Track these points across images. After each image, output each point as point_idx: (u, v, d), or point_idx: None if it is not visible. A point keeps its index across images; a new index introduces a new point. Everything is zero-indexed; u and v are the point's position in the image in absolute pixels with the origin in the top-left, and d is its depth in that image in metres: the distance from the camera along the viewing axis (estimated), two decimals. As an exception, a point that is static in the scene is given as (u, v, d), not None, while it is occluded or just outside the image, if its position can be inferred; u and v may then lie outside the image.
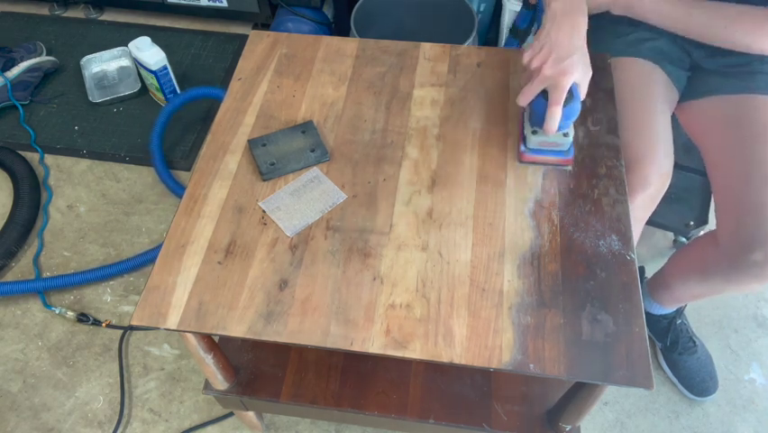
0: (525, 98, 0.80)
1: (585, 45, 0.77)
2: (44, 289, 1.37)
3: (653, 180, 0.89)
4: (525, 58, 0.80)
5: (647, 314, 1.28)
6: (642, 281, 1.30)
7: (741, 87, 0.97)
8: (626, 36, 1.05)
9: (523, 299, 0.73)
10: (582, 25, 0.78)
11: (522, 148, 0.84)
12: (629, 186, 0.84)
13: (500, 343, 0.70)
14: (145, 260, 1.43)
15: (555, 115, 0.77)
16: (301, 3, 1.78)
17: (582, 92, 0.78)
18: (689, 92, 1.05)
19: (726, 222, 0.92)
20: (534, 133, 0.82)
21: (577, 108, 0.79)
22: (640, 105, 0.94)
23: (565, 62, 0.75)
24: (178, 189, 1.54)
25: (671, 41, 1.03)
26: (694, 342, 1.26)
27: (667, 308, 1.24)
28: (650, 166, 0.89)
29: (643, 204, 0.90)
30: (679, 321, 1.25)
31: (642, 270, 1.30)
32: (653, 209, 0.94)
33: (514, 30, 1.24)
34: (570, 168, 0.84)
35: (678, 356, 1.26)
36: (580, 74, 0.76)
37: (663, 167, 0.91)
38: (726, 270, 0.92)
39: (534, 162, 0.84)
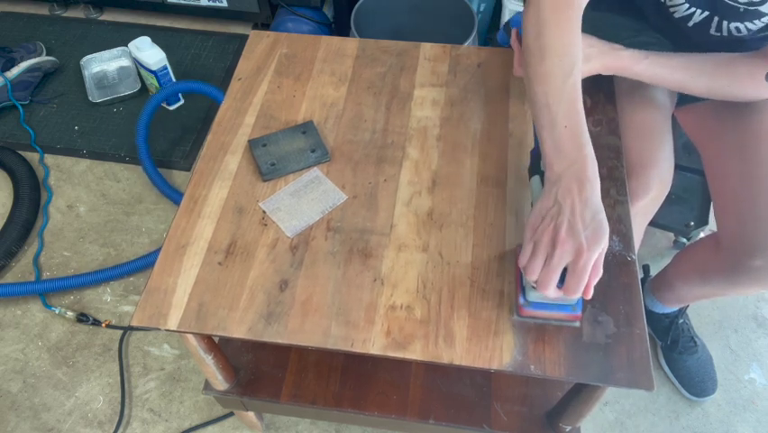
0: (523, 261, 0.67)
1: (601, 205, 0.64)
2: (44, 291, 1.37)
3: (654, 185, 0.89)
4: (527, 233, 0.66)
5: (649, 312, 1.28)
6: (645, 280, 1.30)
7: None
8: (626, 40, 1.04)
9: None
10: (595, 182, 0.65)
11: (521, 300, 0.69)
12: (630, 191, 0.84)
13: (501, 344, 0.70)
14: (146, 263, 1.43)
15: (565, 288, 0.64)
16: (301, 3, 1.78)
17: (599, 262, 0.62)
18: (688, 95, 1.04)
19: (726, 226, 0.92)
20: (535, 286, 0.66)
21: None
22: (640, 109, 0.94)
23: (584, 234, 0.62)
24: (163, 186, 1.53)
25: (671, 47, 1.02)
26: (695, 342, 1.26)
27: (669, 308, 1.25)
28: (651, 171, 0.89)
29: (644, 208, 0.90)
30: (681, 321, 1.25)
31: (647, 268, 1.30)
32: (654, 213, 0.94)
33: (507, 28, 1.21)
34: (578, 324, 0.70)
35: (678, 355, 1.26)
36: (604, 246, 0.62)
37: (664, 171, 0.91)
38: (728, 274, 0.92)
39: (534, 318, 0.70)
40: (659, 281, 1.22)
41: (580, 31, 0.74)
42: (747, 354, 1.32)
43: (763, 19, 0.85)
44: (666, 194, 0.93)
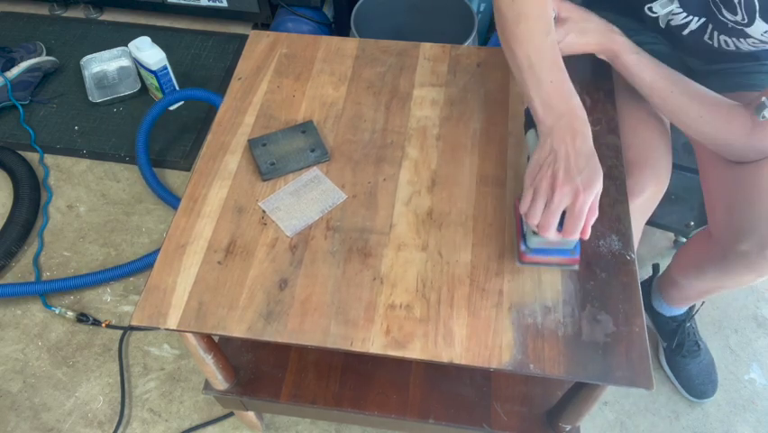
0: (524, 207, 0.70)
1: (594, 150, 0.68)
2: (44, 292, 1.37)
3: (649, 183, 0.89)
4: (527, 180, 0.70)
5: (657, 314, 1.28)
6: (653, 279, 1.30)
7: (736, 85, 0.97)
8: None
9: (523, 299, 0.73)
10: (586, 130, 0.69)
11: (522, 247, 0.72)
12: (627, 189, 0.84)
13: (500, 343, 0.70)
14: (147, 263, 1.43)
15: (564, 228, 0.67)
16: (301, 3, 1.78)
17: (595, 204, 0.66)
18: None
19: (715, 216, 0.93)
20: (535, 232, 0.69)
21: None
22: (638, 108, 0.94)
23: (579, 177, 0.66)
24: (161, 191, 1.53)
25: (668, 47, 1.03)
26: (699, 346, 1.26)
27: (677, 309, 1.25)
28: (648, 169, 0.90)
29: (641, 207, 0.90)
30: (688, 324, 1.25)
31: (656, 267, 1.30)
32: (652, 212, 0.94)
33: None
34: (577, 267, 0.73)
35: (681, 359, 1.26)
36: (599, 188, 0.66)
37: (661, 170, 0.91)
38: (719, 262, 0.92)
39: (535, 263, 0.73)
40: (664, 280, 1.23)
41: (550, 1, 0.78)
42: (747, 354, 1.32)
43: (748, 40, 0.86)
44: (663, 193, 0.93)
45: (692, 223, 1.29)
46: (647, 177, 0.89)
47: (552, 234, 0.67)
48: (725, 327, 1.36)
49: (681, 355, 1.26)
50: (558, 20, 0.86)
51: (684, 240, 1.42)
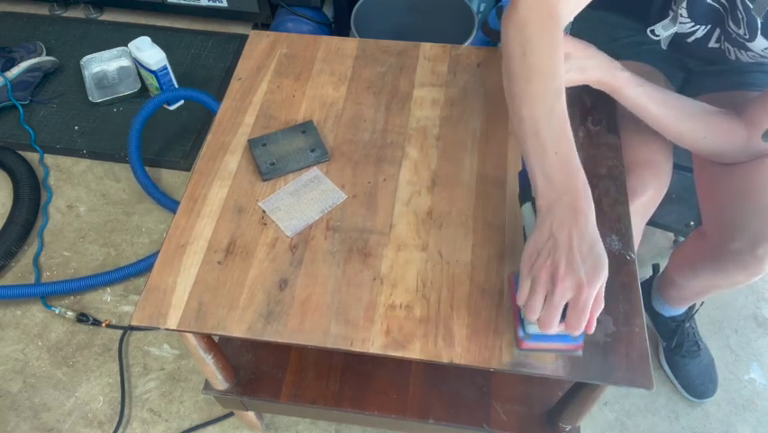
0: (522, 299, 0.64)
1: (598, 234, 0.61)
2: (45, 294, 1.37)
3: (651, 184, 0.89)
4: (524, 268, 0.63)
5: (657, 314, 1.28)
6: (653, 279, 1.30)
7: (734, 84, 0.97)
8: (623, 39, 1.05)
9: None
10: (590, 211, 0.62)
11: (520, 333, 0.67)
12: (628, 189, 0.84)
13: (500, 343, 0.70)
14: (148, 264, 1.43)
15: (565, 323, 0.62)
16: (301, 3, 1.78)
17: (601, 295, 0.60)
18: (684, 92, 1.05)
19: (708, 215, 0.93)
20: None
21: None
22: None
23: (583, 268, 0.59)
24: (153, 191, 1.52)
25: (668, 48, 1.03)
26: (699, 346, 1.26)
27: (676, 309, 1.25)
28: (649, 170, 0.90)
29: (642, 207, 0.90)
30: (687, 324, 1.25)
31: (656, 267, 1.30)
32: (653, 212, 0.94)
33: (486, 29, 1.18)
34: (580, 353, 0.68)
35: (680, 359, 1.26)
36: (604, 278, 0.59)
37: (662, 170, 0.91)
38: (712, 261, 0.93)
39: (535, 350, 0.68)
40: (662, 280, 1.23)
41: (562, 53, 0.72)
42: (747, 354, 1.32)
43: (749, 53, 0.86)
44: (664, 193, 0.93)
45: (692, 223, 1.29)
46: (648, 177, 0.89)
47: (554, 330, 0.62)
48: (725, 327, 1.36)
49: (680, 355, 1.26)
50: None
51: (684, 240, 1.42)
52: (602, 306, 0.60)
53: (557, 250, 0.60)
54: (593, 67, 0.83)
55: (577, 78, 0.84)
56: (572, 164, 0.64)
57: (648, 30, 0.88)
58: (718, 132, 0.83)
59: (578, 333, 0.60)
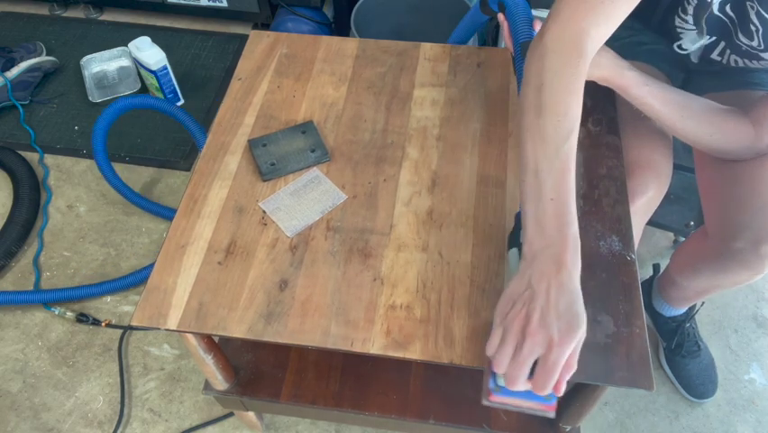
0: (491, 349, 0.61)
1: (579, 292, 0.58)
2: (46, 301, 1.36)
3: (651, 184, 0.89)
4: (497, 318, 0.60)
5: (657, 314, 1.28)
6: (654, 279, 1.30)
7: (736, 83, 0.97)
8: (623, 39, 1.05)
9: (523, 299, 0.73)
10: (574, 266, 0.58)
11: (490, 384, 0.62)
12: (628, 190, 0.84)
13: (500, 343, 0.70)
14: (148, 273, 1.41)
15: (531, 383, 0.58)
16: (301, 3, 1.78)
17: (573, 358, 0.56)
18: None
19: (711, 214, 0.93)
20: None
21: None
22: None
23: (556, 325, 0.56)
24: (118, 185, 1.49)
25: (669, 48, 1.03)
26: (699, 346, 1.26)
27: (677, 309, 1.25)
28: (648, 170, 0.90)
29: (642, 207, 0.90)
30: (688, 325, 1.25)
31: (657, 267, 1.30)
32: (653, 212, 0.94)
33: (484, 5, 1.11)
34: (552, 414, 0.64)
35: (680, 359, 1.26)
36: (580, 339, 0.56)
37: (662, 171, 0.91)
38: (714, 260, 0.93)
39: (504, 405, 0.63)
40: (663, 280, 1.23)
41: (583, 87, 0.67)
42: (747, 354, 1.32)
43: (762, 62, 0.87)
44: (665, 193, 0.93)
45: (692, 223, 1.29)
46: (649, 178, 0.89)
47: (520, 386, 0.58)
48: (725, 327, 1.36)
49: (680, 356, 1.26)
50: None
51: (684, 240, 1.42)
52: (574, 368, 0.57)
53: (533, 302, 0.57)
54: (602, 65, 0.83)
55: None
56: (567, 214, 0.60)
57: (675, 45, 0.87)
58: (725, 130, 0.83)
59: (544, 393, 0.57)
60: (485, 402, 0.64)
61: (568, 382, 0.58)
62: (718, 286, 1.02)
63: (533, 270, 0.59)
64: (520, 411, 0.64)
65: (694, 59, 0.90)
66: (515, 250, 0.69)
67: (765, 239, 0.83)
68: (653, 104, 0.83)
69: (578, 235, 0.60)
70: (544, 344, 0.56)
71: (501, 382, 0.61)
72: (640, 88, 0.83)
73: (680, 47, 0.87)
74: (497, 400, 0.63)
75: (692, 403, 1.26)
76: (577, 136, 0.64)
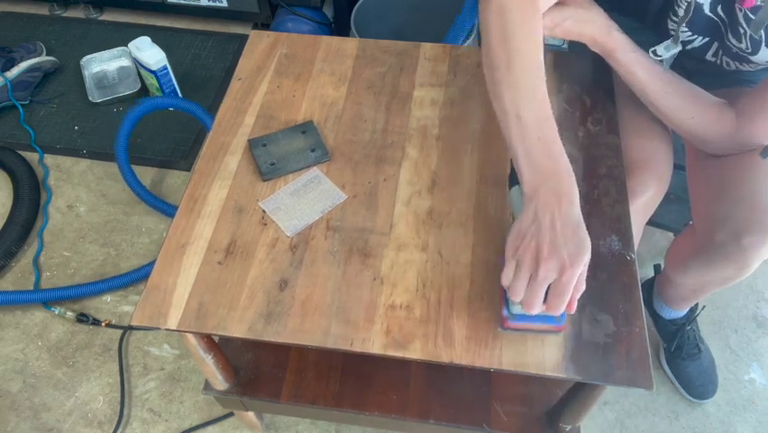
0: (506, 280, 0.65)
1: (581, 217, 0.63)
2: (45, 300, 1.37)
3: (651, 184, 0.89)
4: (508, 251, 0.64)
5: (658, 316, 1.28)
6: (654, 280, 1.30)
7: (730, 81, 0.97)
8: None
9: (523, 299, 0.73)
10: (574, 194, 0.63)
11: (504, 312, 0.68)
12: (628, 189, 0.84)
13: (500, 343, 0.70)
14: (148, 271, 1.42)
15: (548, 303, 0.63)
16: (301, 3, 1.78)
17: (582, 277, 0.62)
18: None
19: (697, 209, 0.94)
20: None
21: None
22: (639, 109, 0.94)
23: (566, 250, 0.60)
24: (144, 194, 1.52)
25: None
26: (699, 348, 1.26)
27: (676, 311, 1.24)
28: (648, 169, 0.90)
29: (642, 207, 0.90)
30: (688, 327, 1.25)
31: (657, 268, 1.30)
32: (653, 212, 0.94)
33: None
34: (562, 334, 0.70)
35: (680, 361, 1.26)
36: (586, 261, 0.61)
37: (662, 170, 0.91)
38: (700, 255, 0.93)
39: (518, 330, 0.69)
40: (661, 279, 1.23)
41: (542, 34, 0.72)
42: (747, 354, 1.32)
43: (751, 65, 0.86)
44: (665, 193, 0.93)
45: (692, 222, 1.29)
46: (649, 178, 0.89)
47: (537, 310, 0.63)
48: (725, 327, 1.36)
49: (680, 358, 1.26)
50: (560, 2, 0.83)
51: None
52: (583, 287, 0.62)
53: (540, 232, 0.62)
54: (591, 22, 0.83)
55: (573, 30, 0.84)
56: (555, 149, 0.65)
57: (650, 50, 0.88)
58: (707, 115, 0.83)
59: (559, 313, 0.62)
60: (501, 330, 0.70)
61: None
62: (710, 282, 1.01)
63: (536, 203, 0.63)
64: (534, 334, 0.70)
65: (666, 67, 0.91)
66: (516, 188, 0.71)
67: (746, 231, 0.82)
68: (638, 72, 0.84)
69: (570, 166, 0.65)
70: (556, 268, 0.60)
71: (515, 309, 0.67)
72: (626, 54, 0.83)
73: (654, 53, 0.88)
74: (512, 325, 0.68)
75: (692, 403, 1.26)
76: (545, 78, 0.69)
